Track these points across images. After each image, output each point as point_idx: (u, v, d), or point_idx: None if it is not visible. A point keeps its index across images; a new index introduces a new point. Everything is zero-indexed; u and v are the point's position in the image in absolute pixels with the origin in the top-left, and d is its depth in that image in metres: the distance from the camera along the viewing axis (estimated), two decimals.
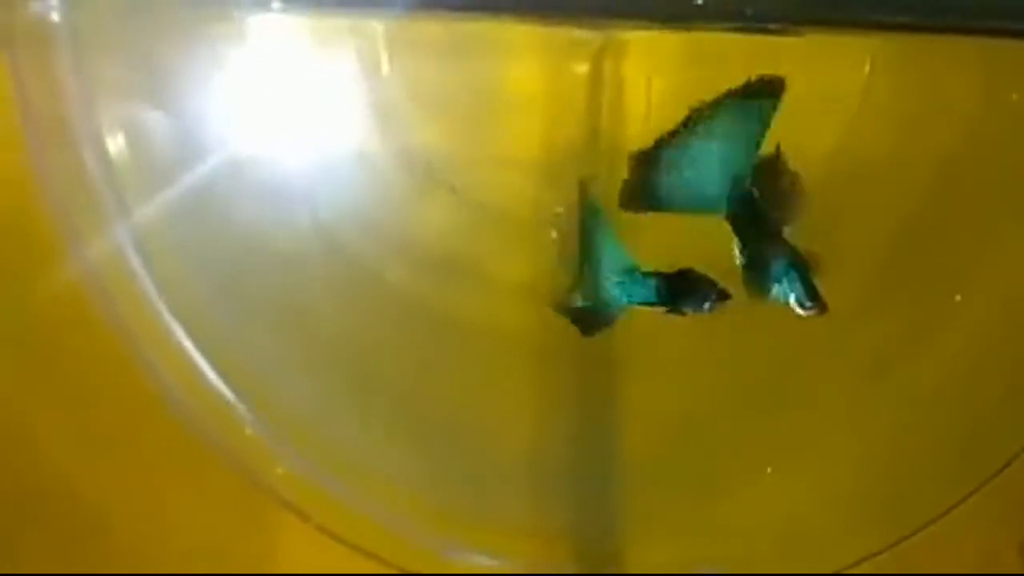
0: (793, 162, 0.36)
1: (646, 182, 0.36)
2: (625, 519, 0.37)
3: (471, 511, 0.36)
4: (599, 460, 0.38)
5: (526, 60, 0.38)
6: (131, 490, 0.39)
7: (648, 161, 0.35)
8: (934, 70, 0.37)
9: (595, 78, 0.38)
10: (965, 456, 0.36)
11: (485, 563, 0.34)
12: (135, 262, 0.32)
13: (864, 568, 0.34)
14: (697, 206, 0.36)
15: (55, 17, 0.28)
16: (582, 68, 0.37)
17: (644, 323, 0.38)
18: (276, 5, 0.34)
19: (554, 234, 0.37)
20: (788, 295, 0.35)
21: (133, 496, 0.39)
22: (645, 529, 0.37)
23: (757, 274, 0.35)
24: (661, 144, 0.35)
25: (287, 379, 0.35)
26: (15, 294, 0.37)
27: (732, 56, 0.36)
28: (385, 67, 0.37)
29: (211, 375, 0.31)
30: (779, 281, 0.35)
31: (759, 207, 0.36)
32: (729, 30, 0.35)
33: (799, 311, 0.35)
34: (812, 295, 0.35)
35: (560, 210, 0.37)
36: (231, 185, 0.36)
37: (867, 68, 0.37)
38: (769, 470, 0.36)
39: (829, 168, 0.37)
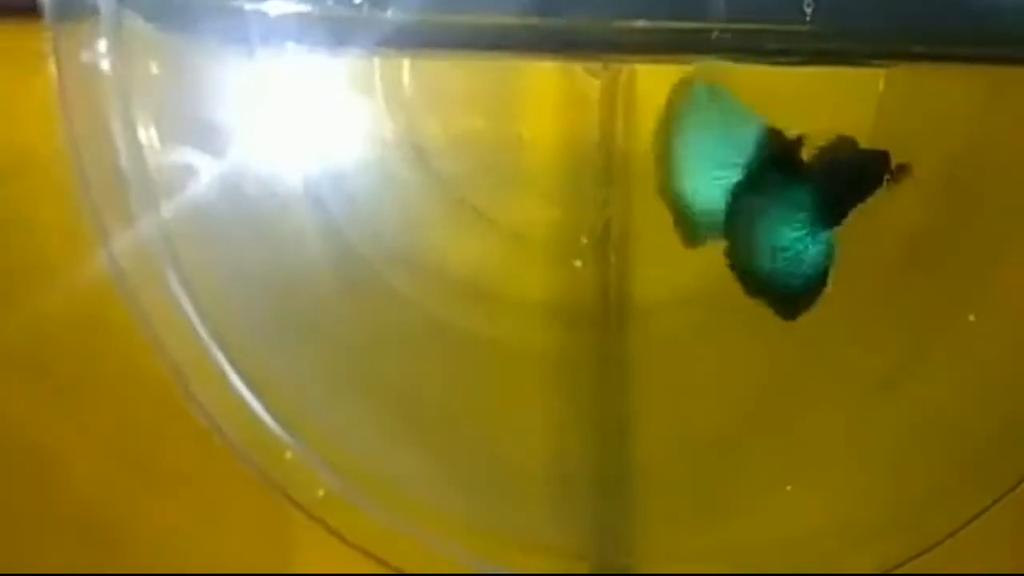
0: None
1: None
2: (642, 537, 0.38)
3: (493, 527, 0.36)
4: (617, 479, 0.39)
5: (543, 71, 0.39)
6: (152, 504, 0.40)
7: None
8: (947, 87, 0.38)
9: (609, 92, 0.38)
10: (982, 470, 0.36)
11: None
12: (173, 281, 0.33)
13: None
14: None
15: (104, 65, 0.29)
16: (597, 82, 0.38)
17: (660, 340, 0.38)
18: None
19: (578, 263, 0.38)
20: None
21: (154, 510, 0.40)
22: (662, 547, 0.38)
23: None
24: None
25: (322, 400, 0.35)
26: (40, 308, 0.38)
27: (746, 74, 0.37)
28: (407, 80, 0.38)
29: (251, 398, 0.32)
30: None
31: None
32: (743, 63, 0.35)
33: None
34: None
35: (585, 240, 0.38)
36: (261, 203, 0.37)
37: (881, 85, 0.38)
38: (789, 488, 0.37)
39: None
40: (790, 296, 0.37)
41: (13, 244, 0.39)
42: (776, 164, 0.36)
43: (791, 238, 0.36)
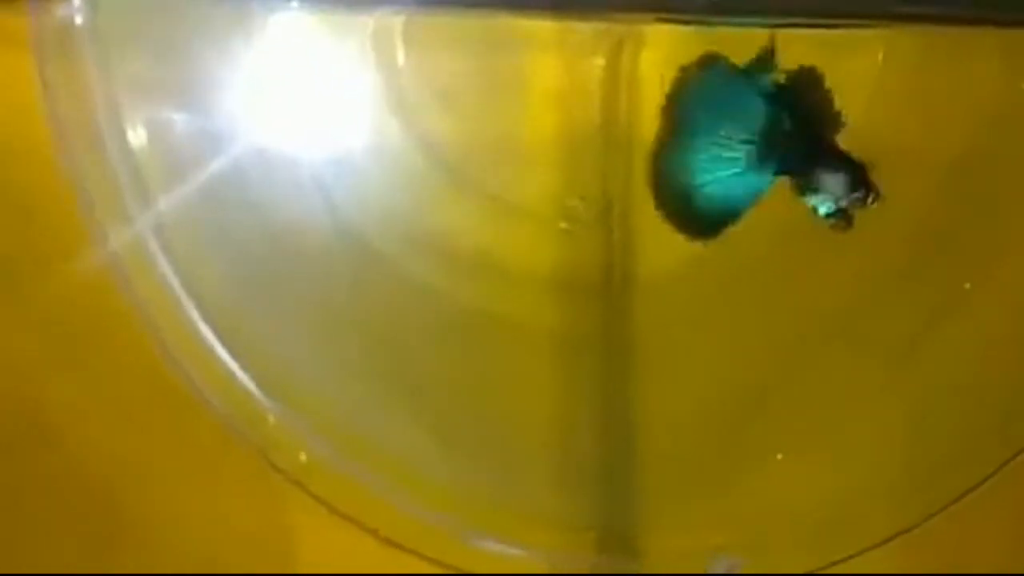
0: None
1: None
2: (647, 508, 0.38)
3: (494, 500, 0.36)
4: (621, 450, 0.38)
5: (543, 51, 0.38)
6: (157, 485, 0.39)
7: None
8: (948, 60, 0.37)
9: (612, 71, 0.38)
10: (983, 442, 0.36)
11: (508, 552, 0.35)
12: (159, 255, 0.33)
13: (884, 550, 0.35)
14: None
15: (79, 20, 0.29)
16: (599, 61, 0.38)
17: (666, 311, 0.38)
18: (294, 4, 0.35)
19: (563, 224, 0.37)
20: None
21: (158, 492, 0.39)
22: (666, 518, 0.38)
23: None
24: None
25: (310, 369, 0.35)
26: (41, 287, 0.38)
27: (746, 47, 0.36)
28: (401, 58, 0.37)
29: (234, 365, 0.32)
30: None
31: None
32: (743, 25, 0.35)
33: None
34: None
35: (575, 203, 0.38)
36: (251, 179, 0.36)
37: (880, 56, 0.37)
38: (779, 456, 0.37)
39: None
40: (700, 218, 0.37)
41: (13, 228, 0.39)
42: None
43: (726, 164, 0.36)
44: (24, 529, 0.40)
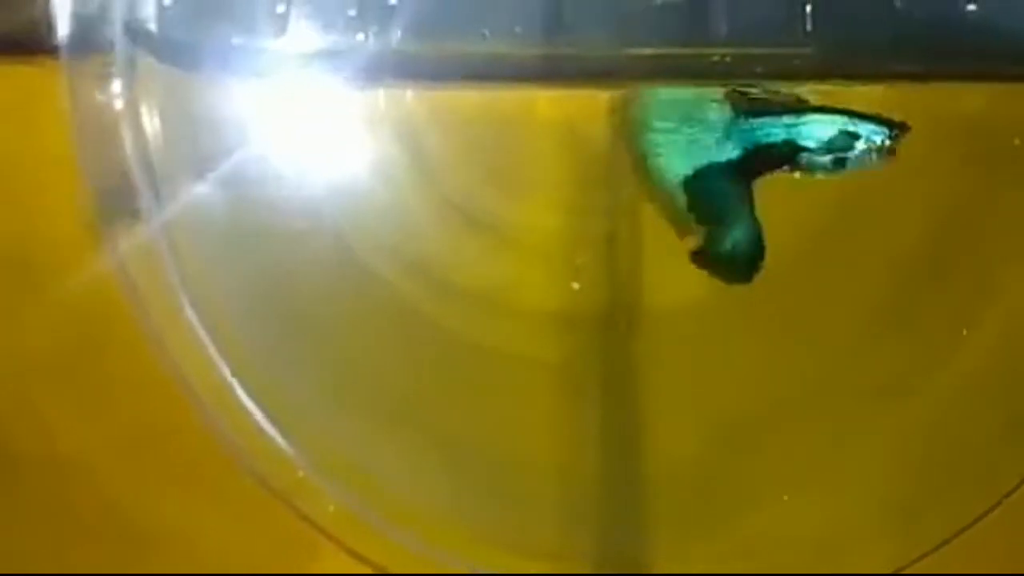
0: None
1: None
2: (649, 544, 0.39)
3: (504, 538, 0.37)
4: (624, 485, 0.39)
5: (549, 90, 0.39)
6: (173, 510, 0.40)
7: None
8: (941, 108, 0.38)
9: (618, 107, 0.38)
10: (984, 473, 0.37)
11: None
12: (187, 309, 0.33)
13: None
14: None
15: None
16: (603, 97, 0.38)
17: (669, 347, 0.39)
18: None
19: (576, 285, 0.38)
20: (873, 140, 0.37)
21: (174, 516, 0.40)
22: (669, 553, 0.38)
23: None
24: None
25: (329, 415, 0.36)
26: (59, 311, 0.39)
27: None
28: (409, 93, 0.38)
29: (261, 418, 0.33)
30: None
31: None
32: (742, 86, 0.36)
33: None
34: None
35: (585, 261, 0.38)
36: (266, 213, 0.37)
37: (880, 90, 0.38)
38: (786, 498, 0.37)
39: (839, 198, 0.38)
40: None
41: (33, 252, 0.40)
42: None
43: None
44: (34, 551, 0.41)
